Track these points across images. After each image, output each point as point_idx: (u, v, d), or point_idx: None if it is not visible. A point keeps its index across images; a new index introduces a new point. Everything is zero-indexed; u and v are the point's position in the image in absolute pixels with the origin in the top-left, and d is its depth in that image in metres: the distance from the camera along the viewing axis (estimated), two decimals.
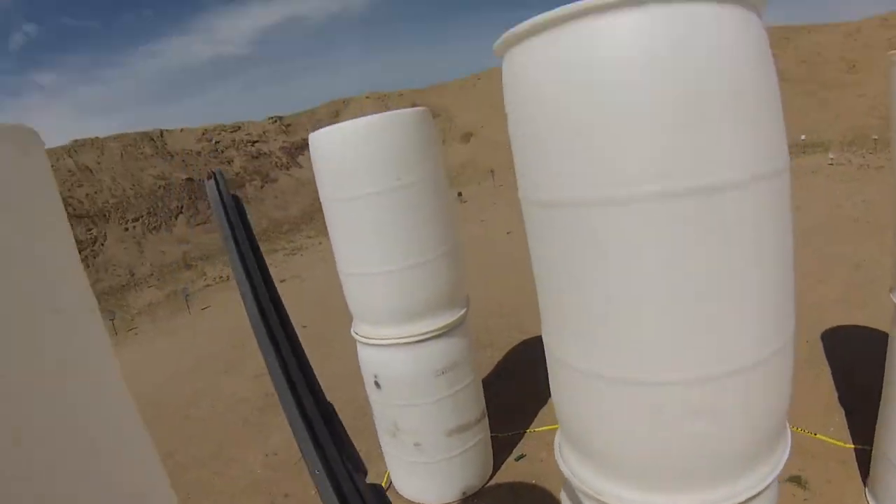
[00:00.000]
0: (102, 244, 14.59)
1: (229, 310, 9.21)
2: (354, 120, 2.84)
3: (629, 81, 1.38)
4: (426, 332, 3.04)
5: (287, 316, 2.27)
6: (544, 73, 1.50)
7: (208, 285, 12.06)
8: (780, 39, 22.07)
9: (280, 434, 4.77)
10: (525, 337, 5.38)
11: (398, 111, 2.94)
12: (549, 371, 1.97)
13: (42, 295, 0.99)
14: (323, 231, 14.87)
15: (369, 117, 2.85)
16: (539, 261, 1.82)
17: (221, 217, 2.25)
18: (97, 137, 19.62)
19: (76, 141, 19.08)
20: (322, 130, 2.97)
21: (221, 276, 12.49)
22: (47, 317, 0.98)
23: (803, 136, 14.77)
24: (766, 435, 1.65)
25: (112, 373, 1.19)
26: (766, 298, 1.51)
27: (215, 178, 2.31)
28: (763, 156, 1.45)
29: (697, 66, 1.37)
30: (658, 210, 1.41)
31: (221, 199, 2.26)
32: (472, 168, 20.79)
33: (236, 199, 2.31)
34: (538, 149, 1.61)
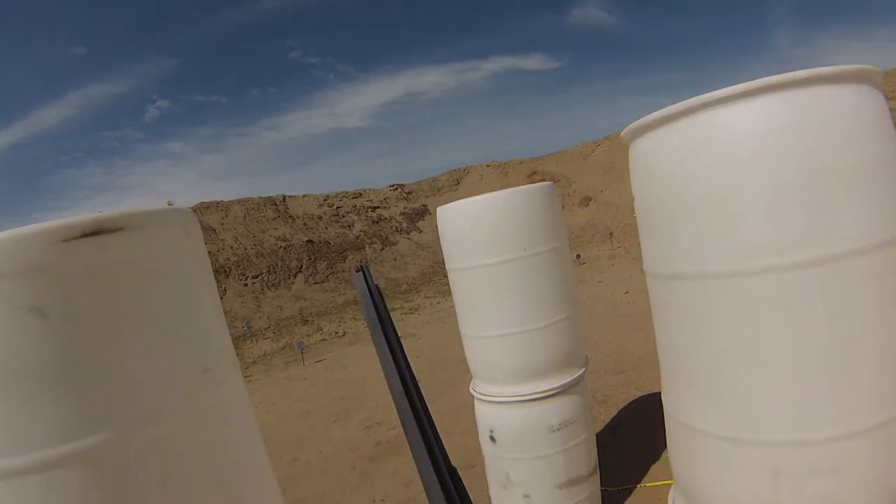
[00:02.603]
0: (222, 298, 15.51)
1: (343, 363, 9.53)
2: (482, 196, 3.02)
3: (750, 164, 1.49)
4: (543, 391, 3.09)
5: (420, 391, 2.45)
6: (671, 159, 1.63)
7: (323, 339, 12.44)
8: None
9: (388, 481, 4.83)
10: (640, 394, 5.25)
11: (524, 187, 3.08)
12: (667, 432, 2.01)
13: (196, 356, 1.18)
14: (440, 292, 15.22)
15: (496, 193, 3.02)
16: (662, 329, 1.91)
17: (368, 304, 2.50)
18: (222, 201, 21.21)
19: (202, 203, 20.72)
20: (450, 205, 3.17)
21: (337, 332, 12.91)
22: (199, 375, 1.17)
23: None
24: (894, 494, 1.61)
25: (250, 424, 1.36)
26: (887, 363, 1.52)
27: (363, 271, 2.56)
28: (881, 224, 1.48)
29: (815, 145, 1.45)
30: (778, 280, 1.49)
31: (369, 288, 2.51)
32: (590, 230, 20.64)
33: (379, 289, 2.55)
34: (664, 227, 1.72)
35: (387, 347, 2.45)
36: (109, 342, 1.00)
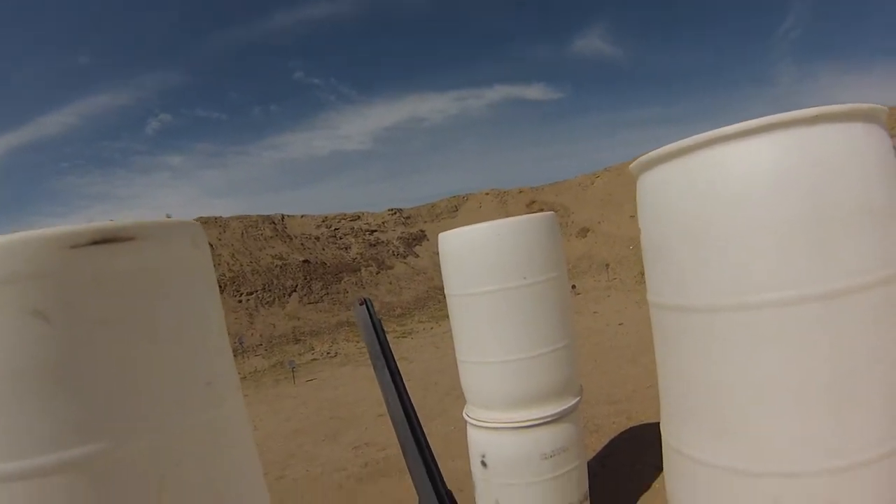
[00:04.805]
0: None
1: (334, 384, 9.44)
2: (485, 224, 3.04)
3: (759, 200, 1.51)
4: (537, 418, 3.07)
5: (419, 420, 2.45)
6: (679, 192, 1.65)
7: (315, 359, 12.32)
8: None
9: (375, 501, 4.74)
10: (632, 424, 5.23)
11: (526, 216, 3.10)
12: (664, 462, 2.00)
13: (199, 370, 1.17)
14: (434, 317, 15.16)
15: (499, 221, 3.04)
16: (664, 359, 1.91)
17: (372, 337, 2.52)
18: (220, 216, 21.16)
19: (200, 218, 20.62)
20: (452, 231, 3.18)
21: (329, 352, 12.77)
22: (202, 388, 1.16)
23: None
24: None
25: (248, 441, 1.35)
26: (888, 396, 1.52)
27: (366, 304, 2.58)
28: (885, 260, 1.50)
29: (821, 183, 1.47)
30: (782, 314, 1.50)
31: (372, 321, 2.53)
32: (587, 261, 20.64)
33: (381, 322, 2.56)
34: (670, 258, 1.73)
35: (389, 379, 2.50)
36: (112, 350, 1.00)
